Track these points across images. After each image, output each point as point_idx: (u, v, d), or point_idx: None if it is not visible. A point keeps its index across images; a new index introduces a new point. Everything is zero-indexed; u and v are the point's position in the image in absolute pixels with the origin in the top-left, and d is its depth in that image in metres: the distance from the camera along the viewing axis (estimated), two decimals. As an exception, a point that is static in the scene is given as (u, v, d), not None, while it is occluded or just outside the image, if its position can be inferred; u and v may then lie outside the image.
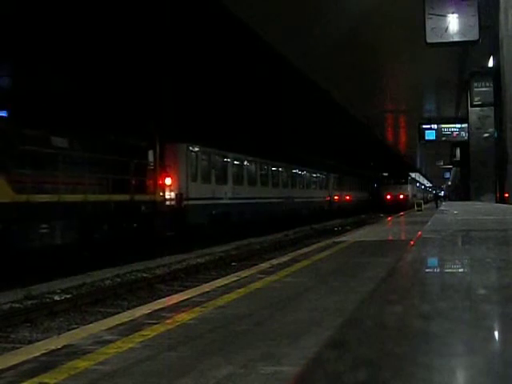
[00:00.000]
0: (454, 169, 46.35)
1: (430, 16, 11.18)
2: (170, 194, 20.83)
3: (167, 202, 20.47)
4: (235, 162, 27.30)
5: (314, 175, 41.57)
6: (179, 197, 21.18)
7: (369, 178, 60.75)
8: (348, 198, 50.67)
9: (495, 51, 14.36)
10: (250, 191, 28.17)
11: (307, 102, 28.35)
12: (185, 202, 21.29)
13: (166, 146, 20.05)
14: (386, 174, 58.36)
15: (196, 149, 22.63)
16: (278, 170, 33.39)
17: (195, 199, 21.81)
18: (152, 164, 19.03)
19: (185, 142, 21.76)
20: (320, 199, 41.40)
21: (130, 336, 4.20)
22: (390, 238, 15.00)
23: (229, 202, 25.03)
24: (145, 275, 14.47)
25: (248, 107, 28.22)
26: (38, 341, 6.40)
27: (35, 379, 3.26)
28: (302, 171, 38.13)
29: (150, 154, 19.00)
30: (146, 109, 20.55)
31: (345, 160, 49.94)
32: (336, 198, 45.81)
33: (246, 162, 28.64)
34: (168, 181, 20.56)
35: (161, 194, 19.60)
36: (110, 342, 4.04)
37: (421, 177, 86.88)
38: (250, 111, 28.95)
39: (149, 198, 18.54)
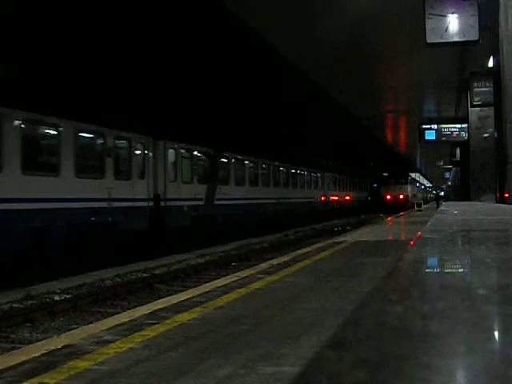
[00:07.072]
0: (453, 169, 46.36)
1: (430, 16, 11.18)
2: None
3: None
4: None
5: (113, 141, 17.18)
6: None
7: (352, 174, 51.44)
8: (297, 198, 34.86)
9: (495, 51, 14.36)
10: None
11: (304, 100, 28.21)
12: None
13: None
14: (385, 174, 58.38)
15: None
16: None
17: None
18: None
19: None
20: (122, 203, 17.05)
21: (130, 336, 4.20)
22: (390, 238, 15.00)
23: None
24: (145, 275, 14.47)
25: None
26: (38, 341, 6.40)
27: (35, 379, 3.27)
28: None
29: None
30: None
31: (342, 159, 49.58)
32: (230, 199, 24.87)
33: None
34: None
35: None
36: (110, 342, 4.04)
37: (421, 177, 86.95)
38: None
39: None
